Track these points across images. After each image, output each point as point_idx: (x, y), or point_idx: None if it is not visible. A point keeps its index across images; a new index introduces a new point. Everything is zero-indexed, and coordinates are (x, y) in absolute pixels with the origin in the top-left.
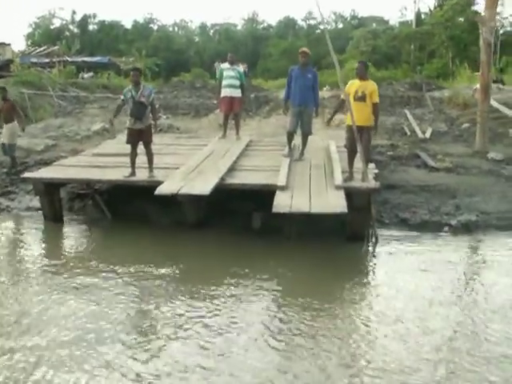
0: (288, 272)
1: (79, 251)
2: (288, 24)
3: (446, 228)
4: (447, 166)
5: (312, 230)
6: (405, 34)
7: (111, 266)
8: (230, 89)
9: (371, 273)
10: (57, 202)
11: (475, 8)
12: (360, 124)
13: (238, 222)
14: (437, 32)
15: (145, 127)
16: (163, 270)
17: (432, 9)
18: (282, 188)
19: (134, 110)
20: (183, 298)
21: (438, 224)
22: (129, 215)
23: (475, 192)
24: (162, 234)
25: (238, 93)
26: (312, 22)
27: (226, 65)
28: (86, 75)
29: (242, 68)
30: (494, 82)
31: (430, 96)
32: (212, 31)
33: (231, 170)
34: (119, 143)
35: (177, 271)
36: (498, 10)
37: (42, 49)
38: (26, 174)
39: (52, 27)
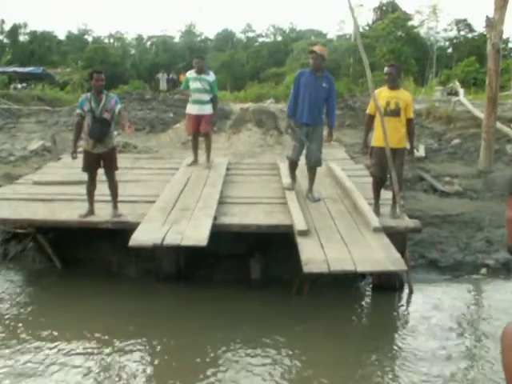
0: (297, 341)
1: (16, 317)
2: (226, 36)
3: (484, 269)
4: (458, 189)
5: (326, 278)
6: (345, 48)
7: (59, 342)
8: (196, 105)
9: (409, 339)
10: None
11: (413, 23)
12: (393, 146)
13: (228, 270)
14: (378, 45)
15: (107, 150)
16: (130, 345)
17: (370, 23)
18: (304, 233)
19: (95, 130)
20: None
21: (473, 264)
22: (84, 263)
23: (501, 221)
24: (129, 289)
25: (207, 109)
26: (251, 34)
27: (192, 73)
28: (19, 86)
29: (212, 76)
30: (449, 94)
31: None
32: (149, 43)
33: (220, 203)
34: (66, 167)
35: (151, 343)
36: (432, 25)
37: None
38: None
39: None
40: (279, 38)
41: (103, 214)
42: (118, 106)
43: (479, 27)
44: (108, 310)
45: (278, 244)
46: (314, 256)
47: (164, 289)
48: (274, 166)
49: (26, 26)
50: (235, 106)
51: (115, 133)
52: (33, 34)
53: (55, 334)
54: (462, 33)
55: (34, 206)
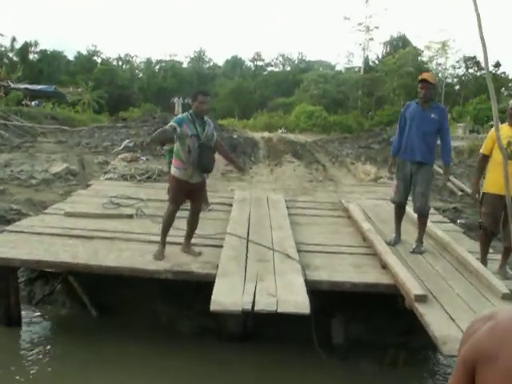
0: None
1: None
2: (235, 64)
3: None
4: None
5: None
6: (354, 80)
7: None
8: None
9: None
10: (12, 295)
11: (422, 58)
12: None
13: (298, 330)
14: (388, 79)
15: (202, 181)
16: None
17: (380, 57)
18: (423, 299)
19: (205, 159)
20: None
21: None
22: (124, 312)
23: None
24: (183, 349)
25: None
26: (260, 62)
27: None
28: (33, 103)
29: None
30: (471, 131)
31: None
32: (157, 67)
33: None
34: (98, 195)
35: None
36: (441, 61)
37: None
38: None
39: None
40: (288, 68)
41: (163, 261)
42: (215, 137)
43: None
44: (158, 377)
45: (358, 302)
46: (449, 332)
47: (227, 350)
48: (335, 205)
49: (36, 44)
50: (252, 133)
51: (143, 158)
52: (43, 52)
53: None
54: (471, 70)
55: (72, 245)
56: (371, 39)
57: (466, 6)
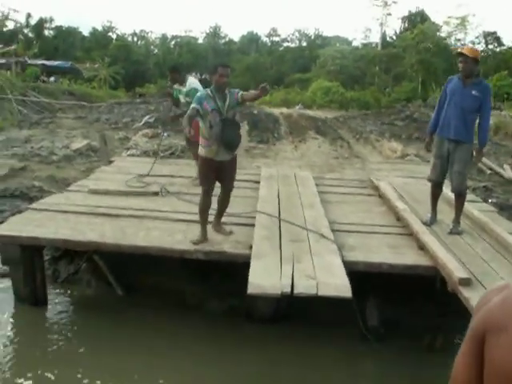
0: None
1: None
2: (251, 39)
3: None
4: None
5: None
6: (372, 56)
7: None
8: None
9: None
10: (38, 274)
11: (442, 34)
12: None
13: (332, 312)
14: (407, 55)
15: (232, 158)
16: None
17: (398, 32)
18: (467, 282)
19: (228, 134)
20: None
21: None
22: (153, 292)
23: None
24: (212, 329)
25: None
26: (276, 38)
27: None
28: (51, 79)
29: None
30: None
31: None
32: (172, 43)
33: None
34: (121, 172)
35: None
36: (460, 36)
37: None
38: None
39: (5, 30)
40: (304, 44)
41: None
42: (239, 94)
43: (508, 41)
44: (187, 360)
45: (392, 284)
46: None
47: (258, 332)
48: (364, 183)
49: (51, 20)
50: (270, 109)
51: (165, 134)
52: (58, 29)
53: None
54: (490, 46)
55: (99, 224)
56: (389, 14)
57: None
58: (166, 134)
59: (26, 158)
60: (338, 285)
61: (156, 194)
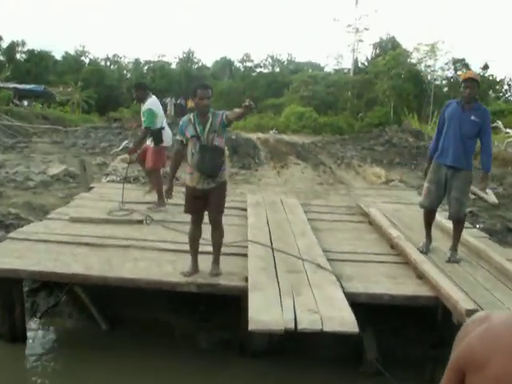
0: None
1: None
2: (224, 65)
3: None
4: None
5: None
6: (344, 82)
7: None
8: None
9: None
10: (17, 309)
11: (412, 61)
12: None
13: (328, 345)
14: (379, 81)
15: (216, 186)
16: None
17: (370, 58)
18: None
19: (205, 162)
20: None
21: None
22: (138, 325)
23: None
24: (205, 367)
25: (148, 141)
26: (249, 63)
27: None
28: (24, 102)
29: (146, 105)
30: None
31: None
32: (145, 68)
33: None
34: (102, 199)
35: None
36: (430, 63)
37: None
38: None
39: None
40: (277, 69)
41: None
42: (224, 115)
43: (476, 67)
44: None
45: (387, 314)
46: None
47: (250, 368)
48: (353, 210)
49: (23, 44)
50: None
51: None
52: (30, 52)
53: None
54: (459, 72)
55: (83, 254)
56: (361, 41)
57: (454, 9)
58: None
59: (0, 183)
60: (344, 319)
61: (140, 222)
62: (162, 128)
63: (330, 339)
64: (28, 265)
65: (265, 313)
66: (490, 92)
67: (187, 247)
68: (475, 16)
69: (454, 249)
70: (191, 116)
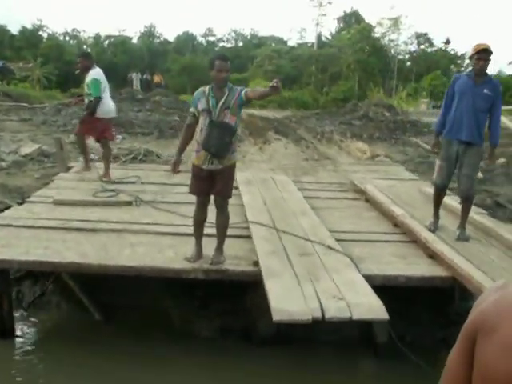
0: None
1: None
2: (187, 39)
3: None
4: None
5: None
6: (308, 56)
7: None
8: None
9: None
10: (5, 301)
11: (376, 35)
12: None
13: (337, 330)
14: (343, 55)
15: (223, 168)
16: None
17: (334, 32)
18: None
19: (211, 138)
20: None
21: None
22: (134, 314)
23: None
24: (207, 357)
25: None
26: (211, 38)
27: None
28: None
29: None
30: (434, 107)
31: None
32: (106, 43)
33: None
34: (84, 180)
35: None
36: (393, 37)
37: None
38: None
39: None
40: (240, 44)
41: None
42: (243, 91)
43: (439, 42)
44: None
45: (397, 295)
46: None
47: (257, 356)
48: (345, 186)
49: None
50: None
51: (119, 137)
52: None
53: None
54: (422, 46)
55: (74, 241)
56: (324, 15)
57: None
58: (120, 137)
59: None
60: (372, 305)
61: (129, 203)
62: (100, 98)
63: (338, 323)
64: (17, 254)
65: (287, 302)
66: (452, 67)
67: (185, 230)
68: None
69: (462, 227)
70: (206, 88)
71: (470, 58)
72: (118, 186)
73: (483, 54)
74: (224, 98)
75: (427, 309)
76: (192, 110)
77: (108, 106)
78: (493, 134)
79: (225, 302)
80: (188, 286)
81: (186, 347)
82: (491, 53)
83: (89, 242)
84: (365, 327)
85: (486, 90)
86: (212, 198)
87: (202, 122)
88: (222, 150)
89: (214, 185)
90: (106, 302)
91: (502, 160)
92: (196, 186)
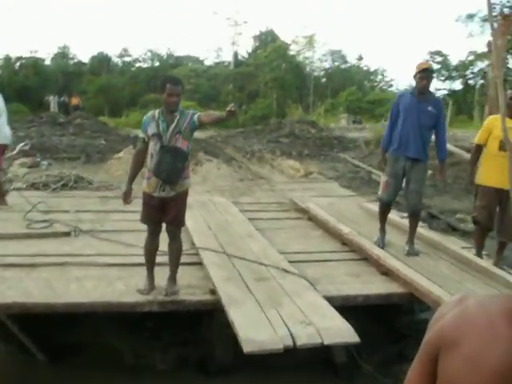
0: None
1: None
2: (102, 60)
3: None
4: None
5: None
6: (225, 75)
7: None
8: None
9: None
10: None
11: (291, 53)
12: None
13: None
14: (260, 73)
15: (175, 195)
16: None
17: (250, 51)
18: None
19: (162, 164)
20: None
21: None
22: (81, 352)
23: None
24: None
25: None
26: (127, 58)
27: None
28: None
29: None
30: (354, 122)
31: (342, 138)
32: (17, 65)
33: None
34: (14, 210)
35: None
36: (309, 54)
37: None
38: None
39: None
40: (157, 64)
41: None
42: (196, 116)
43: (352, 59)
44: None
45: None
46: None
47: None
48: (284, 206)
49: None
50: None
51: (44, 163)
52: None
53: None
54: (336, 63)
55: (14, 278)
56: (240, 34)
57: (327, 5)
58: (45, 163)
59: None
60: (340, 329)
61: (67, 234)
62: None
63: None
64: None
65: (255, 331)
66: (366, 82)
67: (132, 260)
68: (349, 10)
69: (411, 241)
70: (156, 112)
71: (414, 76)
72: (52, 215)
73: (426, 73)
74: (175, 121)
75: (378, 324)
76: (141, 135)
77: (3, 133)
78: (440, 149)
79: (178, 332)
80: (136, 318)
81: (140, 383)
82: (433, 71)
83: (30, 278)
84: (321, 348)
85: (430, 108)
86: (164, 226)
87: (152, 147)
88: (174, 175)
89: (166, 213)
90: (47, 341)
91: (428, 172)
92: (147, 214)
